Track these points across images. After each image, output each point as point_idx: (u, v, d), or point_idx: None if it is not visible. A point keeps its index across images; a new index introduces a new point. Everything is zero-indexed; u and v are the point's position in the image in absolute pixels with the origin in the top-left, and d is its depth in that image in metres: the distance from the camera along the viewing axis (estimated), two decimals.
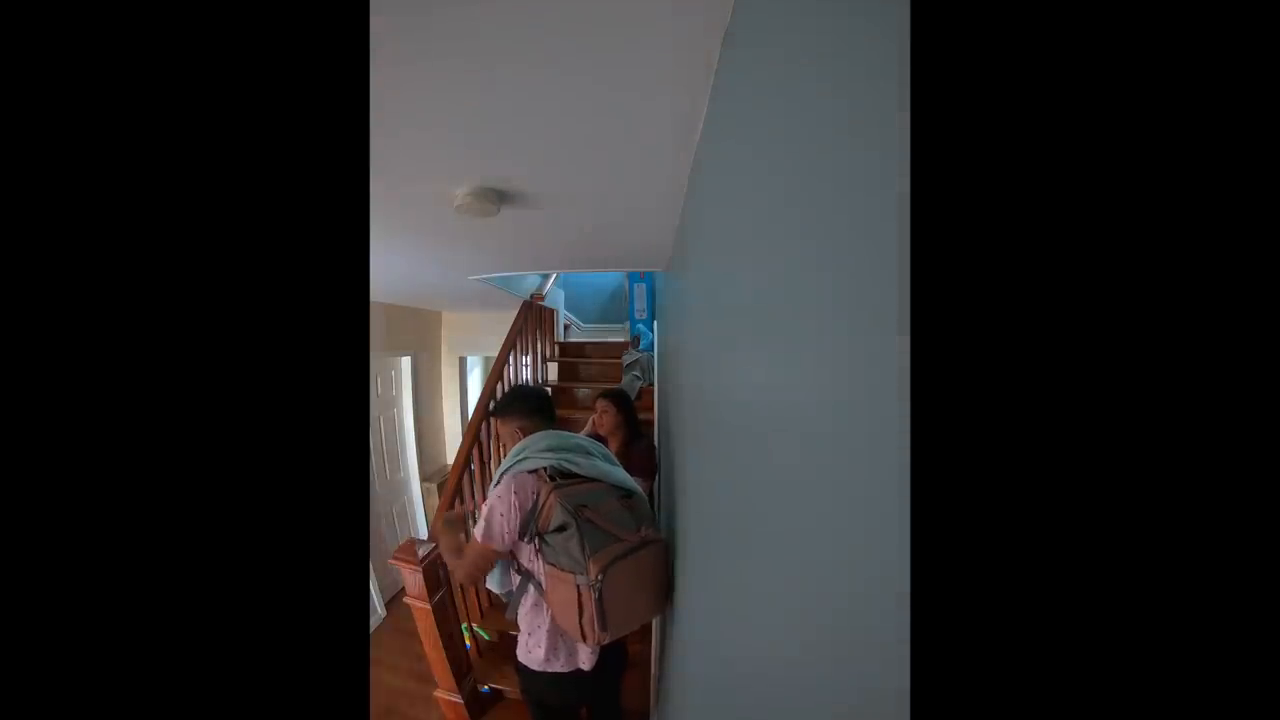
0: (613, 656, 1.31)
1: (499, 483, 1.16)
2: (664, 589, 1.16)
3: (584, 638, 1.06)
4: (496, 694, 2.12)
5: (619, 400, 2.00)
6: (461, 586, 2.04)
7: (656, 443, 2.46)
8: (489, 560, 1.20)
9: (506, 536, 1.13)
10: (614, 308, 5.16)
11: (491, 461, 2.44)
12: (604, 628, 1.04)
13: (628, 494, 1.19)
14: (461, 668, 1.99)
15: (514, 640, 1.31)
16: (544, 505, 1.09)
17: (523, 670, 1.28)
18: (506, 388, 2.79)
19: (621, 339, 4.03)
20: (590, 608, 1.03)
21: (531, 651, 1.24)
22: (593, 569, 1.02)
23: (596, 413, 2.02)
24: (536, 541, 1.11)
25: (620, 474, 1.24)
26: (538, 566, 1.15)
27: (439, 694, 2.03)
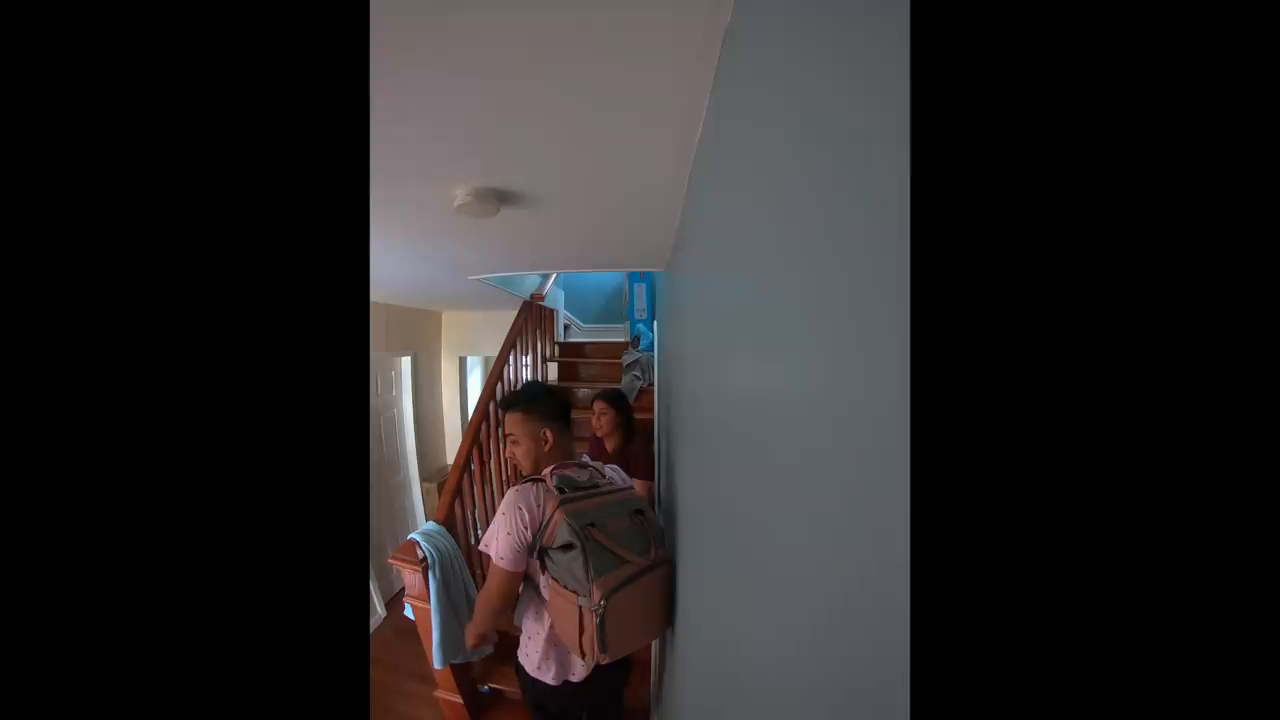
0: (611, 669, 1.26)
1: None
2: (668, 608, 1.14)
3: (582, 654, 1.04)
4: (496, 694, 2.12)
5: (615, 401, 2.00)
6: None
7: (656, 440, 2.45)
8: (512, 585, 1.11)
9: (521, 555, 1.08)
10: (614, 308, 5.15)
11: (491, 461, 2.43)
12: (604, 650, 1.01)
13: (639, 510, 1.16)
14: (461, 668, 1.99)
15: (514, 640, 1.31)
16: (550, 521, 1.06)
17: (520, 670, 1.29)
18: (507, 388, 2.79)
19: (621, 339, 4.03)
20: (591, 630, 1.00)
21: (529, 655, 1.24)
22: (596, 593, 0.99)
23: (594, 414, 2.02)
24: (540, 557, 1.09)
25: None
26: (541, 579, 1.13)
27: (439, 694, 2.03)
